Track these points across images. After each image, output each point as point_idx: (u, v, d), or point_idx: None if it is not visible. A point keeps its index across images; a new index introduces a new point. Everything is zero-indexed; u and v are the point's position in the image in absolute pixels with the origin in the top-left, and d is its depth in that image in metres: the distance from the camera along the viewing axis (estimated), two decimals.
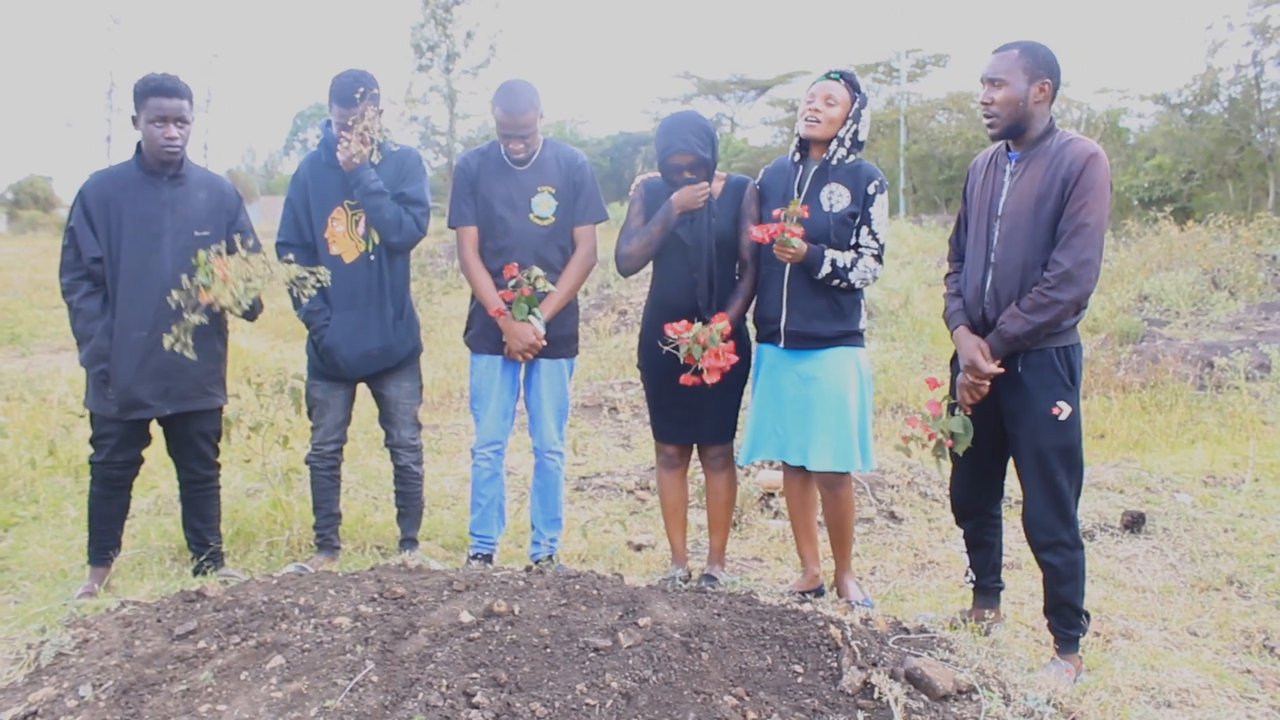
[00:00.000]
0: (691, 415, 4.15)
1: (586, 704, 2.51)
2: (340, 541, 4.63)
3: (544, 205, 4.29)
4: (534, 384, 4.38)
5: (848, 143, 3.88)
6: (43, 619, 3.64)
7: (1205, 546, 4.80)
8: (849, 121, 3.86)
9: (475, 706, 2.48)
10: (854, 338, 3.95)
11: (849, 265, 3.83)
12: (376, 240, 4.30)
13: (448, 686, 2.56)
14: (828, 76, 3.90)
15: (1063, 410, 3.33)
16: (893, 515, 5.29)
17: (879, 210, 3.90)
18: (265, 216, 52.10)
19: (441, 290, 14.34)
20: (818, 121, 3.84)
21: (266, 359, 10.14)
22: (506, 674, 2.62)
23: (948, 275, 3.75)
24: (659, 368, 4.10)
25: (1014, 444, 3.46)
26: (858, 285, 3.87)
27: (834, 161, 3.89)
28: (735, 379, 4.08)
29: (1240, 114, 26.97)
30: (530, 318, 4.16)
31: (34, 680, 2.82)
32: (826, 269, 3.80)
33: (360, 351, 4.29)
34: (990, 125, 3.39)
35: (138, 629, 3.02)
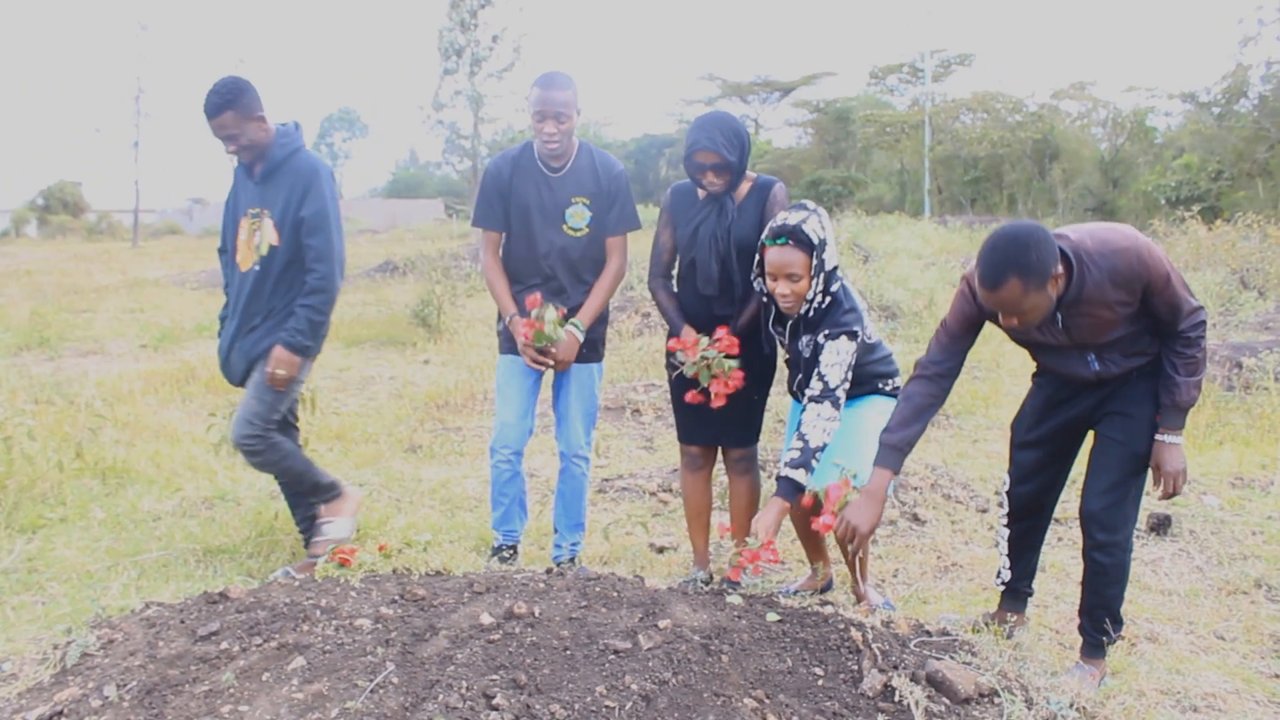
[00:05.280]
0: (716, 417, 4.13)
1: (606, 706, 2.51)
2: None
3: (578, 216, 4.24)
4: (563, 388, 4.37)
5: (819, 293, 3.65)
6: (68, 620, 3.68)
7: (1233, 549, 4.74)
8: (814, 280, 3.61)
9: (495, 708, 2.49)
10: (882, 382, 3.86)
11: (819, 446, 3.51)
12: (264, 252, 4.21)
13: (468, 688, 2.57)
14: (775, 242, 3.57)
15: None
16: (915, 518, 5.26)
17: (828, 355, 3.62)
18: None
19: (465, 293, 14.37)
20: (792, 304, 3.64)
21: None
22: (526, 676, 2.62)
23: (921, 373, 3.47)
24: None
25: (1104, 445, 3.42)
26: (821, 444, 3.51)
27: (810, 314, 3.71)
28: (759, 382, 4.06)
29: (1270, 111, 26.64)
30: (571, 327, 4.15)
31: (60, 680, 2.85)
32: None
33: (225, 358, 4.38)
34: (1040, 333, 3.30)
35: (161, 630, 3.05)
